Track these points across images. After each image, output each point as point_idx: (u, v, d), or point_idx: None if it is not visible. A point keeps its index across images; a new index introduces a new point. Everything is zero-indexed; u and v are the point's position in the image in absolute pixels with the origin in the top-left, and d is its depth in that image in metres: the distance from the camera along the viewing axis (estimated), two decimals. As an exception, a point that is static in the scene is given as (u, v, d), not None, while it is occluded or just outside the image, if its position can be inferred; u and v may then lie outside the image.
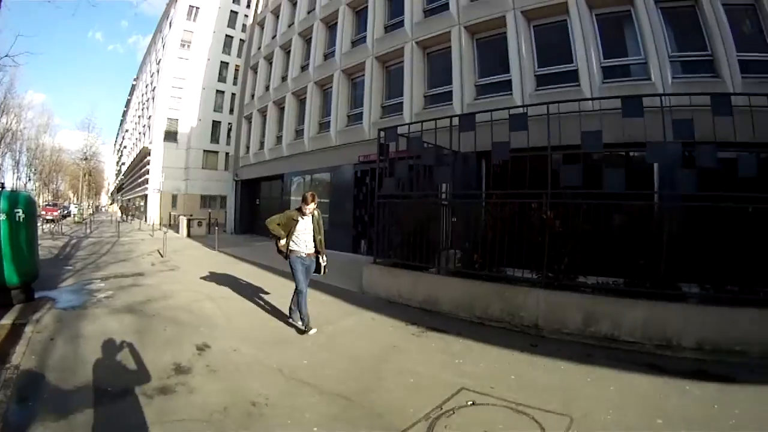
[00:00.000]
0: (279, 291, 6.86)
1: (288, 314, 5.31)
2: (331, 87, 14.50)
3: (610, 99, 6.19)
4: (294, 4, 17.96)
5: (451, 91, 10.60)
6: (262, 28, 20.70)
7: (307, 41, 16.48)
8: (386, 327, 5.20)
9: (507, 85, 9.75)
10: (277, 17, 19.27)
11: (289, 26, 17.90)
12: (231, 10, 32.96)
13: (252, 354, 4.23)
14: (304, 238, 5.04)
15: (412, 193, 7.16)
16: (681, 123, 4.98)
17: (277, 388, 3.45)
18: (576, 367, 4.03)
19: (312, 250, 5.11)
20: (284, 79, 17.49)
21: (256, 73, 20.49)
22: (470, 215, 6.61)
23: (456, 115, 6.93)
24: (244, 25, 29.31)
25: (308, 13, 16.70)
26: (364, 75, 13.09)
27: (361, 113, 12.98)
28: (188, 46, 32.77)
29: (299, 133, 16.20)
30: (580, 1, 9.01)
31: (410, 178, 7.20)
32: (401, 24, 12.16)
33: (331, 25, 15.33)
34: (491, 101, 9.34)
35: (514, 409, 3.14)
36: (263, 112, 19.18)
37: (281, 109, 17.68)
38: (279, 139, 17.56)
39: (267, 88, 19.01)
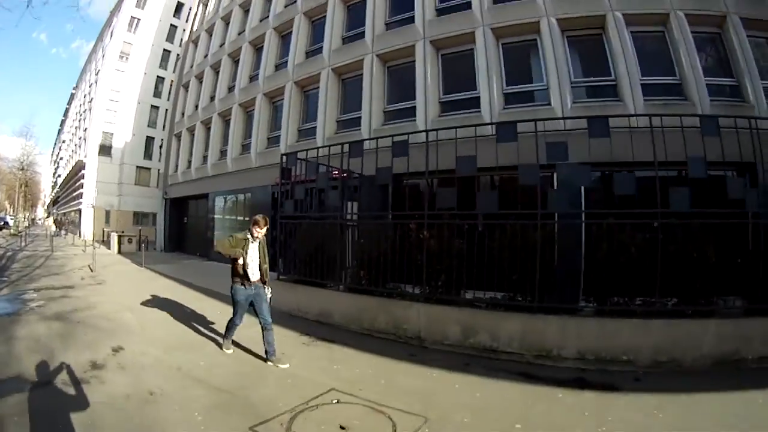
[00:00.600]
0: (193, 304, 7.62)
1: (269, 355, 4.71)
2: (254, 109, 14.83)
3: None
4: (227, 24, 18.20)
5: (360, 117, 11.15)
6: (196, 46, 20.73)
7: (235, 62, 16.77)
8: (281, 337, 5.45)
9: (412, 112, 10.32)
10: (210, 36, 19.39)
11: (220, 46, 18.15)
12: (171, 24, 32.56)
13: (157, 356, 4.86)
14: (251, 265, 4.84)
15: (309, 214, 7.70)
16: (554, 146, 5.30)
17: (173, 383, 4.04)
18: (448, 375, 4.39)
19: (257, 278, 4.89)
20: (212, 99, 17.67)
21: (187, 91, 20.48)
22: (361, 235, 7.12)
23: (356, 141, 7.28)
24: (182, 40, 29.10)
25: (238, 34, 17.05)
26: (283, 99, 13.49)
27: (279, 136, 13.33)
28: (127, 58, 32.11)
29: (223, 153, 16.39)
30: (486, 31, 9.69)
31: (311, 201, 7.64)
32: (320, 50, 12.71)
33: (258, 48, 15.74)
34: (398, 126, 9.85)
35: (374, 408, 3.53)
36: (192, 131, 19.19)
37: (208, 129, 17.83)
38: (205, 158, 17.62)
39: (196, 107, 19.06)
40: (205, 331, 5.87)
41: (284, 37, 14.66)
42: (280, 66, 14.37)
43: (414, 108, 10.29)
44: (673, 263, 4.96)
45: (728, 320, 4.96)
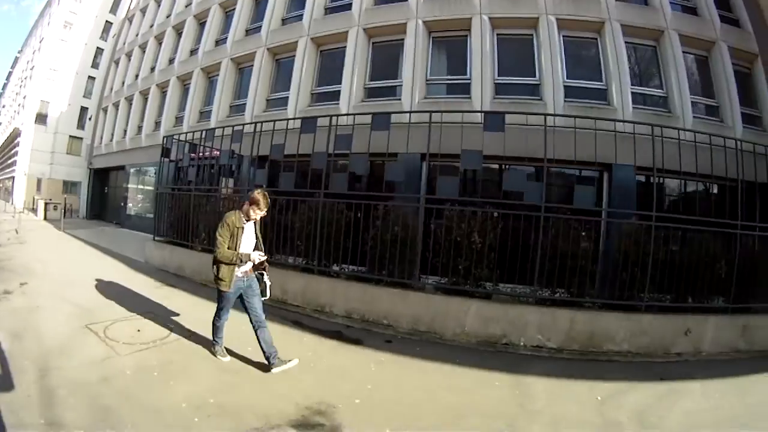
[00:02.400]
0: (91, 259, 9.91)
1: (268, 359, 4.06)
2: (167, 90, 16.04)
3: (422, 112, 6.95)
4: (158, 4, 19.15)
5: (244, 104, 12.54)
6: (131, 24, 21.48)
7: (159, 44, 17.82)
8: (142, 282, 7.38)
9: (336, 95, 10.91)
10: (144, 15, 20.26)
11: (150, 27, 19.08)
12: (116, -5, 32.53)
13: (50, 288, 6.50)
14: (244, 253, 4.03)
15: (179, 187, 9.06)
16: (343, 137, 6.43)
17: (53, 302, 5.74)
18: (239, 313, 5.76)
19: (250, 266, 4.09)
20: (137, 77, 18.66)
21: (117, 66, 21.23)
22: (213, 206, 8.27)
23: (238, 125, 8.35)
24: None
25: (166, 17, 18.05)
26: (190, 83, 14.78)
27: (182, 117, 14.69)
28: (71, 27, 31.94)
29: (140, 129, 17.54)
30: (419, 24, 10.18)
31: (184, 176, 9.05)
32: (224, 41, 13.97)
33: (180, 32, 16.81)
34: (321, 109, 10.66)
35: (168, 325, 5.06)
36: (117, 106, 20.16)
37: (130, 105, 18.76)
38: (125, 132, 18.68)
39: (123, 83, 19.94)
40: (91, 275, 7.49)
41: (202, 24, 15.68)
42: (194, 51, 15.53)
43: (338, 92, 10.95)
44: (450, 246, 5.74)
45: (493, 303, 5.57)
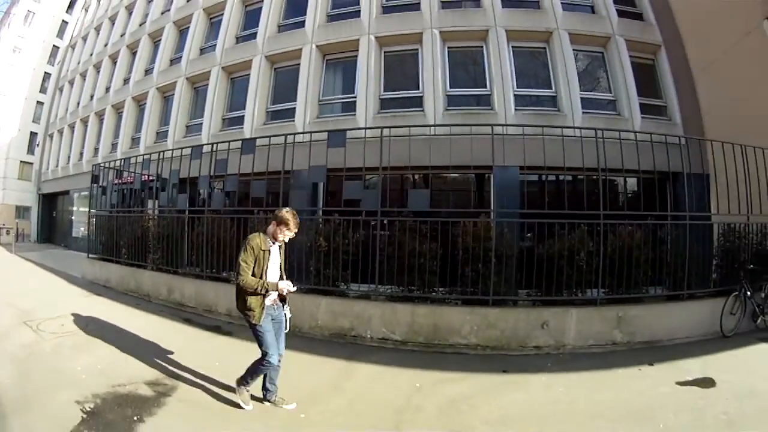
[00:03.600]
0: (36, 274, 11.57)
1: (263, 395, 3.85)
2: (103, 117, 16.82)
3: (318, 132, 7.38)
4: (98, 33, 19.83)
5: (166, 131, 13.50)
6: (74, 51, 22.01)
7: (98, 72, 18.50)
8: (75, 292, 8.80)
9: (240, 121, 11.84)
10: (85, 43, 20.89)
11: (90, 55, 19.71)
12: (63, 20, 32.68)
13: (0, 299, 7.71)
14: (271, 281, 3.67)
15: (104, 210, 10.12)
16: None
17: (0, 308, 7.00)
18: (145, 314, 7.07)
19: (275, 296, 3.74)
20: (78, 104, 19.33)
21: (61, 93, 21.76)
22: (130, 225, 9.32)
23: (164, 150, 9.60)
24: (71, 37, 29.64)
25: (104, 46, 18.70)
26: (123, 110, 15.60)
27: (117, 144, 15.49)
28: (19, 51, 31.97)
29: (81, 155, 18.22)
30: (314, 49, 11.04)
31: (119, 199, 9.97)
32: (151, 71, 14.82)
33: (115, 61, 17.51)
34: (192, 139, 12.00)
35: (81, 320, 6.32)
36: (61, 132, 20.71)
37: (73, 131, 19.45)
38: (69, 158, 19.32)
39: (66, 110, 20.54)
40: (35, 288, 9.14)
41: (134, 54, 16.45)
42: (126, 81, 16.24)
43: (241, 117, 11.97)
44: (301, 250, 6.51)
45: (340, 299, 6.29)
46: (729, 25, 8.83)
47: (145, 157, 9.35)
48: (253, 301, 3.62)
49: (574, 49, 10.35)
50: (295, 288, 3.75)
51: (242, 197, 8.05)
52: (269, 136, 7.16)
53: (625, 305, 6.07)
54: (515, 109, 9.82)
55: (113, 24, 18.51)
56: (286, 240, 3.82)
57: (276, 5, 12.19)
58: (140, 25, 16.66)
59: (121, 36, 17.47)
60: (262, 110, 11.68)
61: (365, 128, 7.26)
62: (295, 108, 11.04)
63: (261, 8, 12.33)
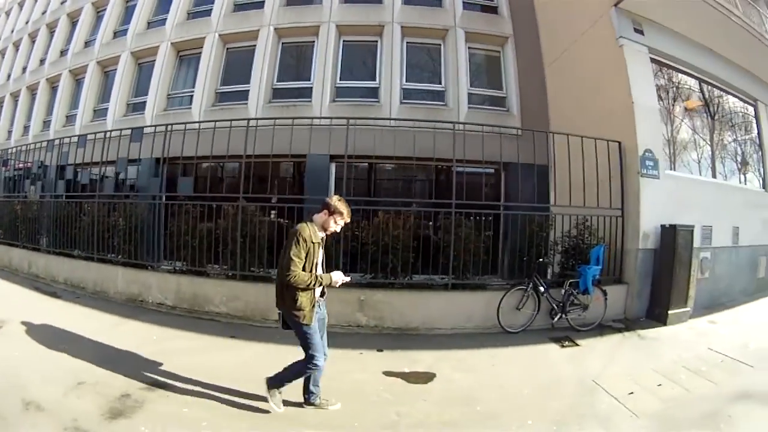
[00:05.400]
0: None
1: (305, 399, 3.77)
2: (19, 98, 17.05)
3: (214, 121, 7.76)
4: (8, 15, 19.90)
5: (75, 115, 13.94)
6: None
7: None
8: None
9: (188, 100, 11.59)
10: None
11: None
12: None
13: None
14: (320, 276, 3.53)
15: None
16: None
17: None
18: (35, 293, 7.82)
19: (319, 291, 3.62)
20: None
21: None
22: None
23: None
24: None
25: (11, 32, 18.90)
26: (37, 92, 15.90)
27: (29, 126, 15.84)
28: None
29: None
30: (271, 31, 10.92)
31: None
32: (66, 52, 15.09)
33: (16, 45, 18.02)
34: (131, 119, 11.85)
35: None
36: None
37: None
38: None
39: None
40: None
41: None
42: (43, 61, 16.17)
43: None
44: (103, 229, 7.92)
45: (131, 269, 7.53)
46: (581, 14, 8.74)
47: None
48: (304, 299, 3.40)
49: (409, 42, 10.95)
50: (349, 278, 3.70)
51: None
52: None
53: (368, 289, 6.45)
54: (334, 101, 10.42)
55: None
56: (338, 230, 3.68)
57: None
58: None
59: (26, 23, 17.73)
60: (269, 87, 11.01)
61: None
62: (248, 91, 10.93)
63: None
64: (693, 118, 9.56)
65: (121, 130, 8.57)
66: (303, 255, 3.36)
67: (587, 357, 5.55)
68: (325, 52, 10.62)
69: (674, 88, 9.16)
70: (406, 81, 10.74)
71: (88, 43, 14.70)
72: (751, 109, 10.48)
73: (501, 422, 3.75)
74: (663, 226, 7.17)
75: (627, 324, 6.92)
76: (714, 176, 9.58)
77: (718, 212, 8.38)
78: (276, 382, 3.63)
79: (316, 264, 3.51)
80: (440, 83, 10.82)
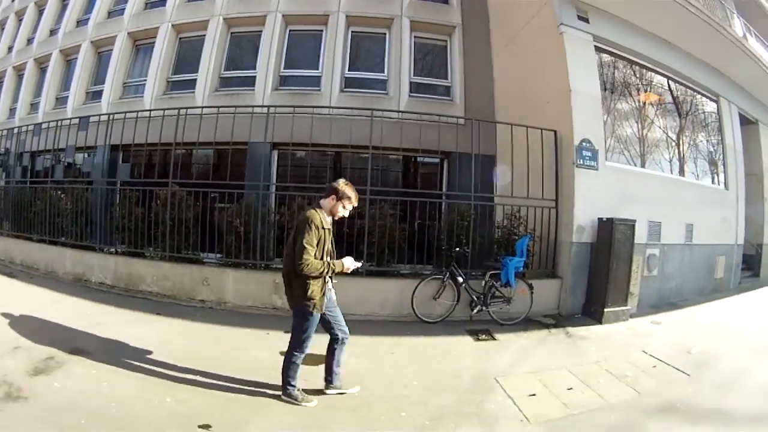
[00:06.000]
0: None
1: (327, 382, 3.85)
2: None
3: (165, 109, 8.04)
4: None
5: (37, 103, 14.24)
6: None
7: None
8: None
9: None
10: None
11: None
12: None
13: None
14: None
15: None
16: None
17: None
18: None
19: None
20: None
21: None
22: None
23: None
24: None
25: None
26: (4, 80, 16.09)
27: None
28: None
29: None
30: (220, 21, 11.15)
31: None
32: (32, 41, 15.31)
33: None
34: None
35: None
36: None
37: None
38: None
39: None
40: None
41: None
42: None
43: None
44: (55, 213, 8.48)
45: (78, 251, 7.99)
46: (528, 1, 8.66)
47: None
48: (315, 288, 3.38)
49: (355, 31, 11.17)
50: (360, 264, 3.69)
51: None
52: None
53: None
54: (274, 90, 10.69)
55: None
56: (346, 215, 3.67)
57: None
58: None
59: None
60: (216, 76, 11.26)
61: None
62: (196, 80, 11.17)
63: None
64: (650, 113, 9.34)
65: (80, 118, 9.09)
66: (315, 242, 3.33)
67: (500, 352, 5.36)
68: (270, 41, 10.82)
69: (627, 81, 9.01)
70: (349, 70, 10.96)
71: (53, 32, 14.97)
72: (713, 106, 10.42)
73: (371, 410, 3.69)
74: (600, 219, 6.92)
75: (558, 320, 6.73)
76: (680, 173, 9.47)
77: (669, 208, 8.19)
78: (288, 383, 3.63)
79: (328, 251, 3.47)
80: (383, 72, 11.01)
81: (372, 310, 6.47)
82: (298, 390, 3.63)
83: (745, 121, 11.43)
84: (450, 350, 5.37)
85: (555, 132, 7.42)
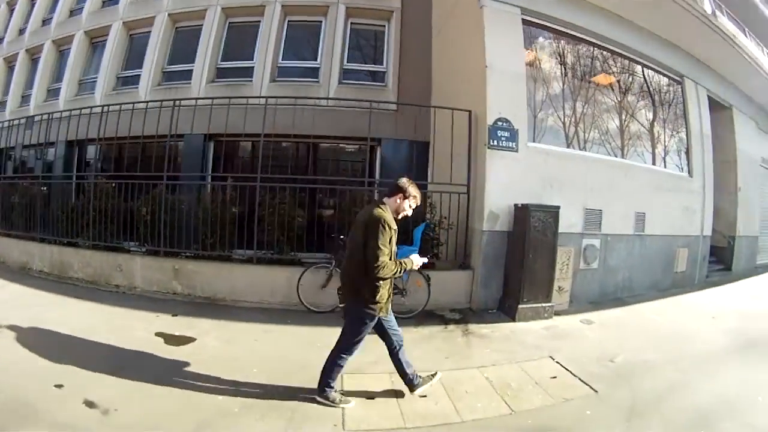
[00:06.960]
0: None
1: (409, 381, 3.64)
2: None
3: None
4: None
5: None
6: None
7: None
8: None
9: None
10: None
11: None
12: None
13: None
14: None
15: None
16: None
17: None
18: None
19: None
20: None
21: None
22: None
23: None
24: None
25: None
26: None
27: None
28: None
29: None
30: (166, 17, 11.54)
31: None
32: (24, 31, 15.33)
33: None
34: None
35: None
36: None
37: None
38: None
39: None
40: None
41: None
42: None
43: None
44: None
45: (23, 241, 8.60)
46: None
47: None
48: (384, 291, 3.29)
49: (291, 20, 11.36)
50: (426, 259, 3.64)
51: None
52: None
53: (181, 259, 7.02)
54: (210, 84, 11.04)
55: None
56: (409, 214, 3.56)
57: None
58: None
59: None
60: (159, 70, 11.73)
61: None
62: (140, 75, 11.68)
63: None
64: (598, 93, 8.76)
65: (41, 115, 9.81)
66: (388, 243, 3.20)
67: (371, 348, 4.37)
68: (209, 33, 11.21)
69: (574, 59, 8.49)
70: (283, 59, 11.22)
71: (21, 31, 15.41)
72: (677, 88, 9.88)
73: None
74: (516, 206, 6.44)
75: (466, 315, 6.26)
76: (624, 156, 8.80)
77: (612, 194, 7.64)
78: (326, 384, 3.50)
79: (394, 252, 3.34)
80: (317, 60, 11.20)
81: (263, 297, 6.56)
82: (336, 391, 3.51)
83: (718, 106, 10.93)
84: (315, 342, 4.78)
85: (470, 112, 7.06)
